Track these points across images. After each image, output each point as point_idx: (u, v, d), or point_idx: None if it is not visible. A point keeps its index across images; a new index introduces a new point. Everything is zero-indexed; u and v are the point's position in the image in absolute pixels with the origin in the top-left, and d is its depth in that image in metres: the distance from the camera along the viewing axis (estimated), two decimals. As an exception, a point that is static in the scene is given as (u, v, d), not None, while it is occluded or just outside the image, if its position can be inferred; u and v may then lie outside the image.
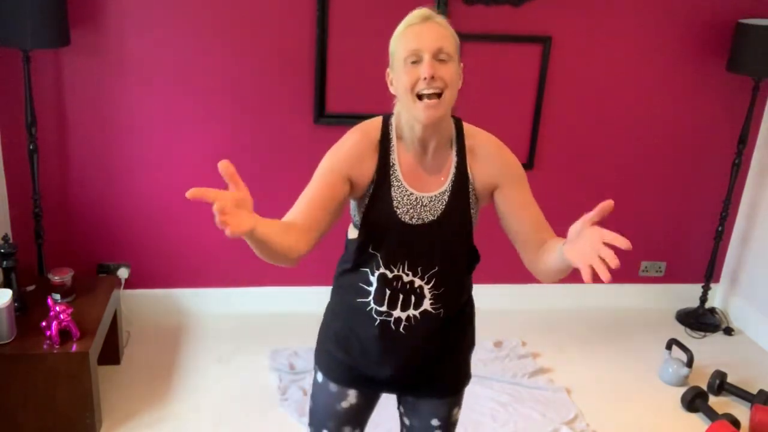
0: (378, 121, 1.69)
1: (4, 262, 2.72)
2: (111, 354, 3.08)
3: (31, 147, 3.01)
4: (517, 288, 3.77)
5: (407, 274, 1.68)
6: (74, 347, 2.58)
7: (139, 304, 3.46)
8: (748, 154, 3.69)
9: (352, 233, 1.74)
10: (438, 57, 1.53)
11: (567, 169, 3.59)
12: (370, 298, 1.71)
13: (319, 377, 1.85)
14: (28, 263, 3.18)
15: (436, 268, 1.69)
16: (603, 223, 1.41)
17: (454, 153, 1.68)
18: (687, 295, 3.89)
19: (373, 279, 1.69)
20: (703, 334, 3.70)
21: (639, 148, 3.61)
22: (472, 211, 1.70)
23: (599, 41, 3.39)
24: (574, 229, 1.48)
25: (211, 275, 3.51)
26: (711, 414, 2.97)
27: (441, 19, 1.59)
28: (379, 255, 1.67)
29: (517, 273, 3.74)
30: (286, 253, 1.46)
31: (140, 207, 3.34)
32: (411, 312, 1.71)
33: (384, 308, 1.71)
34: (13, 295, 2.64)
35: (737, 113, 3.57)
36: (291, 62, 3.22)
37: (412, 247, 1.66)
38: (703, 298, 3.80)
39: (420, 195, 1.65)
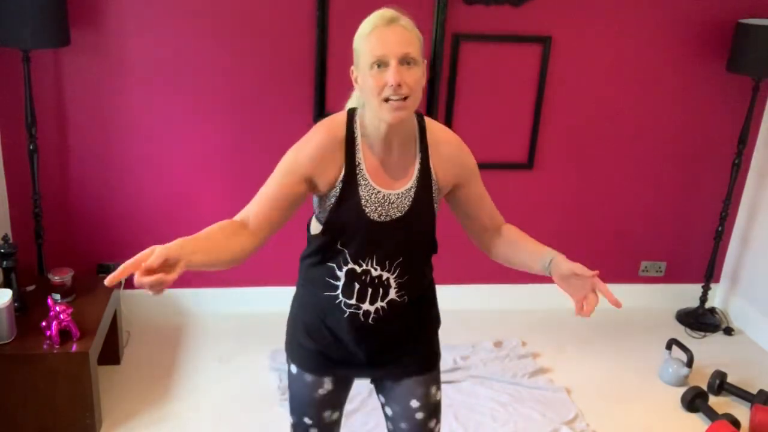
0: (342, 117, 1.70)
1: (4, 262, 2.72)
2: (111, 354, 3.08)
3: (31, 147, 3.01)
4: (517, 288, 3.77)
5: (375, 269, 1.72)
6: (74, 347, 2.58)
7: (139, 304, 3.46)
8: (748, 154, 3.69)
9: (315, 228, 1.76)
10: (403, 62, 1.55)
11: (567, 169, 3.59)
12: (339, 291, 1.75)
13: (293, 369, 1.89)
14: (28, 263, 3.18)
15: (401, 259, 1.73)
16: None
17: (417, 150, 1.71)
18: (687, 295, 3.89)
19: (341, 274, 1.72)
20: (703, 334, 3.70)
21: (639, 148, 3.61)
22: (435, 205, 1.75)
23: (599, 41, 3.39)
24: (571, 267, 1.73)
25: (211, 275, 3.51)
26: (711, 414, 2.97)
27: (406, 21, 1.60)
28: (346, 251, 1.70)
29: (517, 273, 3.72)
30: (231, 261, 1.58)
31: (140, 207, 3.34)
32: (379, 304, 1.75)
33: (353, 301, 1.75)
34: (13, 295, 2.64)
35: (737, 113, 3.57)
36: (291, 62, 3.22)
37: (381, 243, 1.70)
38: (703, 298, 3.80)
39: (387, 192, 1.68)
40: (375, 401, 2.88)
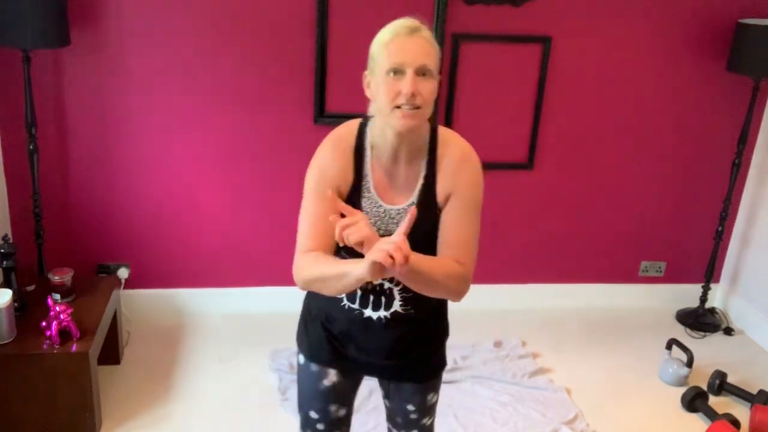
0: (354, 126, 1.71)
1: (4, 262, 2.72)
2: (111, 354, 3.08)
3: (31, 147, 3.01)
4: (517, 288, 3.77)
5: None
6: (74, 347, 2.58)
7: (139, 304, 3.46)
8: (748, 154, 3.69)
9: None
10: (420, 73, 1.56)
11: (567, 169, 3.59)
12: (343, 295, 1.77)
13: (301, 359, 1.91)
14: (28, 263, 3.18)
15: None
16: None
17: (424, 165, 1.68)
18: (687, 295, 3.89)
19: None
20: (703, 334, 3.70)
21: (639, 147, 3.61)
22: (439, 221, 1.70)
23: (599, 41, 3.39)
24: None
25: (211, 275, 3.51)
26: (711, 414, 2.97)
27: (427, 33, 1.61)
28: (349, 257, 1.69)
29: (517, 273, 3.74)
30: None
31: (140, 207, 3.34)
32: (382, 313, 1.76)
33: (356, 306, 1.77)
34: (13, 295, 2.64)
35: (737, 113, 3.57)
36: (291, 62, 3.21)
37: None
38: (703, 298, 3.80)
39: (388, 207, 1.68)
40: (375, 401, 2.89)
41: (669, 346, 3.29)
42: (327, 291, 1.61)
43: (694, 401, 3.04)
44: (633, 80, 3.48)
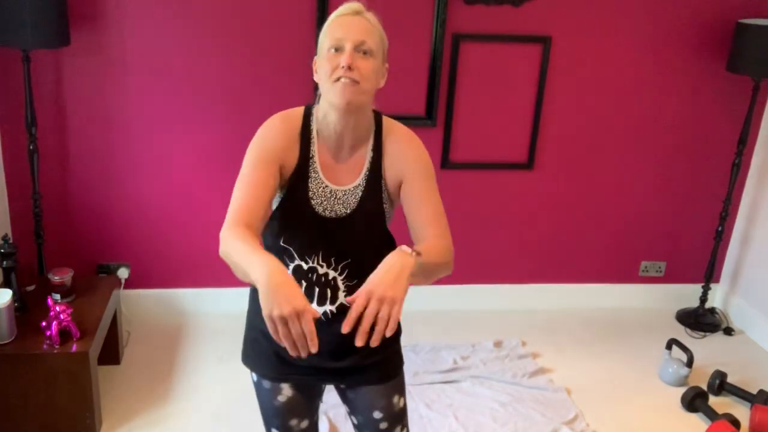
0: (299, 111, 1.71)
1: (4, 262, 2.72)
2: (111, 354, 3.08)
3: (31, 147, 3.01)
4: (517, 288, 3.77)
5: (321, 266, 1.70)
6: (74, 347, 2.58)
7: (139, 304, 3.46)
8: (748, 154, 3.69)
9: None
10: (360, 49, 1.58)
11: (567, 169, 3.59)
12: None
13: (254, 377, 1.88)
14: (28, 263, 3.18)
15: (349, 260, 1.70)
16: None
17: (369, 149, 1.70)
18: (687, 295, 3.89)
19: (288, 271, 1.66)
20: (703, 334, 3.70)
21: (639, 148, 3.61)
22: (385, 205, 1.71)
23: (599, 41, 3.39)
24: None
25: (211, 275, 3.51)
26: (711, 414, 2.97)
27: (371, 16, 1.64)
28: (292, 247, 1.69)
29: (517, 273, 3.74)
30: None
31: (140, 207, 3.34)
32: (328, 307, 1.73)
33: None
34: (13, 295, 2.64)
35: (737, 113, 3.57)
36: (291, 62, 3.22)
37: (326, 239, 1.68)
38: (703, 298, 3.80)
39: (335, 188, 1.68)
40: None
41: (669, 346, 3.29)
42: (236, 273, 1.48)
43: (694, 401, 3.04)
44: (633, 80, 3.48)
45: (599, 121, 3.53)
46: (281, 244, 1.70)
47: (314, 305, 1.71)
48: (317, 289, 1.72)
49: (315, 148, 1.68)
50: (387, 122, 1.73)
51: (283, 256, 1.70)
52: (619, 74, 3.46)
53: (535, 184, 3.60)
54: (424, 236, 1.64)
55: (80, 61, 3.09)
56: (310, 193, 1.66)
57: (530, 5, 3.27)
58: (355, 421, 1.90)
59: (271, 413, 1.85)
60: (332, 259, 1.69)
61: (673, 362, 3.25)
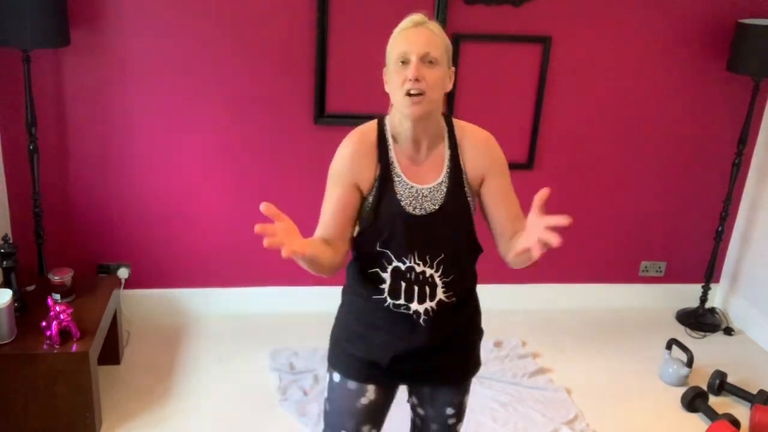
0: (373, 123, 1.79)
1: (4, 262, 2.72)
2: (111, 354, 3.08)
3: (31, 147, 3.01)
4: (517, 288, 3.77)
5: (418, 264, 1.75)
6: (74, 347, 2.58)
7: (139, 304, 3.46)
8: (748, 154, 3.69)
9: (356, 234, 1.80)
10: (425, 60, 1.65)
11: (567, 169, 3.59)
12: (385, 294, 1.78)
13: (336, 377, 1.89)
14: (28, 263, 3.18)
15: (443, 255, 1.76)
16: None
17: (446, 147, 1.78)
18: (687, 295, 3.89)
19: (386, 275, 1.76)
20: (703, 334, 3.70)
21: (639, 148, 3.61)
22: (469, 198, 1.80)
23: (599, 41, 3.39)
24: (528, 220, 1.62)
25: (211, 275, 3.51)
26: (711, 414, 2.97)
27: (433, 25, 1.72)
28: (389, 250, 1.75)
29: (517, 273, 3.74)
30: (329, 266, 1.67)
31: (140, 207, 3.34)
32: (428, 305, 1.78)
33: (401, 301, 1.78)
34: (13, 295, 2.64)
35: (737, 113, 3.57)
36: (291, 62, 3.22)
37: (420, 238, 1.74)
38: (703, 298, 3.80)
39: (420, 187, 1.74)
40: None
41: (669, 346, 3.29)
42: (310, 270, 1.66)
43: (694, 401, 3.04)
44: (633, 80, 3.48)
45: (599, 121, 3.53)
46: (378, 249, 1.75)
47: (415, 304, 1.78)
48: (416, 288, 1.77)
49: (393, 154, 1.75)
50: (458, 122, 1.84)
51: (381, 260, 1.76)
52: (619, 74, 3.46)
53: (535, 184, 3.58)
54: (512, 230, 1.83)
55: (80, 61, 3.09)
56: (398, 195, 1.73)
57: (530, 5, 3.27)
58: (422, 413, 1.99)
59: (348, 415, 1.88)
60: (427, 257, 1.75)
61: (673, 362, 3.25)
